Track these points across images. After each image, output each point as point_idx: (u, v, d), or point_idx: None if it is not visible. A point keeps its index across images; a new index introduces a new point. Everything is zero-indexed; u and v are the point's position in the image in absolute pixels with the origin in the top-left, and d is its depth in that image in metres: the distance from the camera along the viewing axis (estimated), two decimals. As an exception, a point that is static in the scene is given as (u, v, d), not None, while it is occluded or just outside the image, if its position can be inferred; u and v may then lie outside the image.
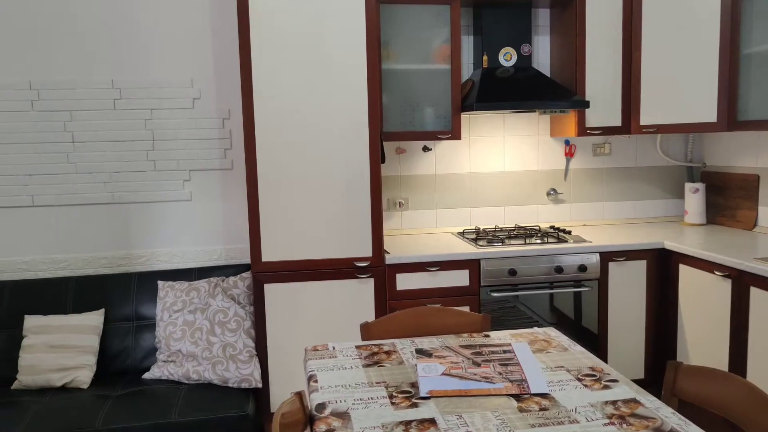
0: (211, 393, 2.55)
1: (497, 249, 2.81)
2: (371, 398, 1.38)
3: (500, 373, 1.47)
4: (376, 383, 1.47)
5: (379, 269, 2.72)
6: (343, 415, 1.29)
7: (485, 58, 3.08)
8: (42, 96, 2.91)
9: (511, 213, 3.40)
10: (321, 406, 1.34)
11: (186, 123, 3.03)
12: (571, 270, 2.85)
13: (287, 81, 2.58)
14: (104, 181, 3.01)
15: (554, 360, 1.60)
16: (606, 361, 2.94)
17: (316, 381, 1.49)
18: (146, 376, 2.70)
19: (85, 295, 2.86)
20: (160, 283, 2.86)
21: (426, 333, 1.91)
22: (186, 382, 2.64)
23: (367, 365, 1.59)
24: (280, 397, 2.77)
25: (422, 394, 1.38)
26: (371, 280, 2.72)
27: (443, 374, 1.46)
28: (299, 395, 1.29)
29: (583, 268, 2.85)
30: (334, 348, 1.74)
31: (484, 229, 3.27)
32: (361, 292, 2.72)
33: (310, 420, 1.31)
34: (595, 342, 2.91)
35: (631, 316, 2.94)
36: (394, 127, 2.98)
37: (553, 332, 1.83)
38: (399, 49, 2.95)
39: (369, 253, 2.70)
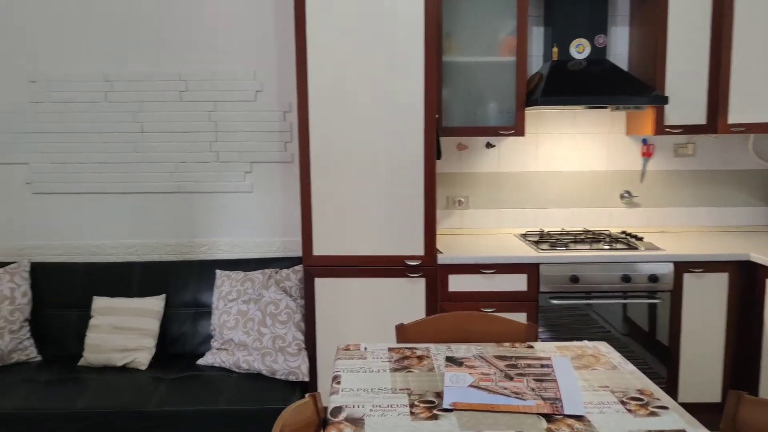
0: (259, 383, 2.57)
1: (558, 254, 2.64)
2: (391, 405, 1.31)
3: (533, 389, 1.35)
4: (400, 390, 1.40)
5: (430, 269, 2.63)
6: (357, 422, 1.23)
7: (555, 50, 2.91)
8: (115, 88, 3.05)
9: (581, 216, 3.21)
10: (337, 410, 1.29)
11: (248, 115, 3.07)
12: (640, 280, 2.63)
13: (342, 75, 2.55)
14: (170, 171, 3.11)
15: (599, 379, 1.46)
16: (677, 382, 2.70)
17: (338, 382, 1.44)
18: (200, 362, 2.77)
19: (149, 280, 2.97)
20: (217, 272, 2.92)
21: (465, 339, 1.81)
22: (236, 370, 2.68)
23: (395, 369, 1.52)
24: (326, 392, 2.75)
25: (445, 406, 1.29)
26: (422, 280, 2.64)
27: (471, 386, 1.36)
28: (313, 397, 1.25)
29: (654, 279, 2.63)
30: (365, 348, 1.68)
31: (548, 232, 3.10)
32: (412, 292, 2.65)
33: (324, 424, 1.26)
34: (667, 358, 2.68)
35: (708, 334, 2.68)
36: (455, 122, 2.87)
37: (603, 347, 1.69)
38: (462, 40, 2.84)
39: (421, 252, 2.63)
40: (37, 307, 2.91)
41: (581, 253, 2.65)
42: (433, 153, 2.58)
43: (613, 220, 3.20)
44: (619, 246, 2.74)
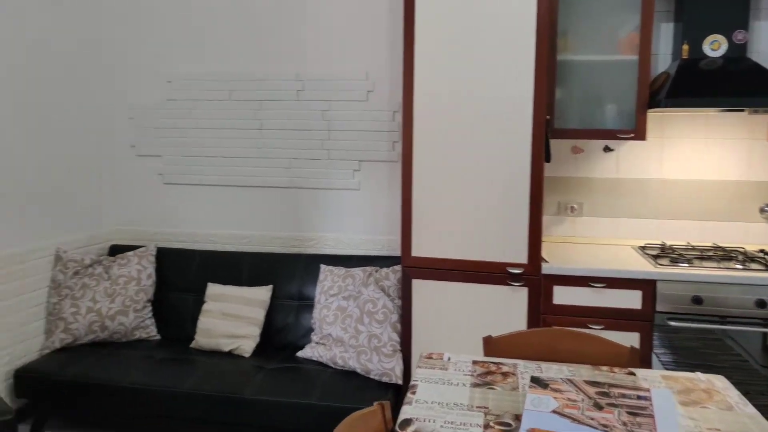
0: (353, 381, 2.59)
1: (679, 270, 2.39)
2: (463, 423, 1.24)
3: (624, 424, 1.22)
4: (477, 407, 1.32)
5: (534, 279, 2.50)
6: (425, 437, 1.18)
7: (685, 47, 2.63)
8: (238, 87, 3.22)
9: (711, 230, 2.88)
10: (406, 423, 1.25)
11: (359, 114, 3.11)
12: (778, 306, 2.31)
13: (448, 74, 2.49)
14: (284, 166, 3.23)
15: (708, 419, 1.28)
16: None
17: (414, 392, 1.40)
18: (300, 354, 2.85)
19: (259, 270, 3.11)
20: (321, 266, 2.99)
21: (558, 358, 1.68)
22: (332, 366, 2.73)
23: (476, 385, 1.45)
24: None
25: (521, 431, 1.20)
26: (524, 290, 2.51)
27: (554, 411, 1.26)
28: (381, 406, 1.21)
29: (797, 306, 2.29)
30: (449, 359, 1.62)
31: (671, 246, 2.81)
32: (513, 301, 2.53)
33: (391, 435, 1.23)
34: (809, 400, 2.33)
35: None
36: (570, 124, 2.70)
37: (720, 382, 1.48)
38: (579, 38, 2.66)
39: (524, 260, 2.50)
40: (159, 289, 3.17)
41: (707, 271, 2.37)
42: (541, 156, 2.44)
43: (750, 236, 2.84)
44: (754, 266, 2.42)
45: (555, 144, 2.96)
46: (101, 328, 2.92)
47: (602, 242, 2.98)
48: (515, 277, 2.51)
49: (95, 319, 2.91)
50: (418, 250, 2.61)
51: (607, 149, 2.93)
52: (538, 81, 2.40)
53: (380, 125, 3.10)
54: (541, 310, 2.51)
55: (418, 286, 2.62)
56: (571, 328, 1.77)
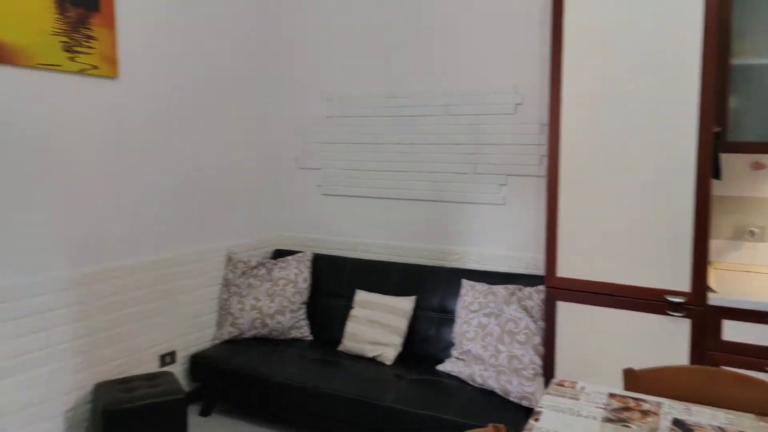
0: (490, 401, 2.53)
1: None
2: (586, 461, 1.16)
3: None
4: (605, 445, 1.22)
5: (698, 309, 2.23)
6: (542, 470, 1.12)
7: None
8: (393, 103, 3.34)
9: None
10: (523, 451, 1.19)
11: (507, 128, 3.05)
12: None
13: (598, 85, 2.34)
14: (432, 180, 3.28)
15: None
16: None
17: (537, 419, 1.33)
18: (440, 367, 2.85)
19: (404, 280, 3.19)
20: (464, 281, 2.98)
21: (716, 403, 1.49)
22: (471, 383, 2.69)
23: (609, 420, 1.34)
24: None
25: (653, 478, 1.09)
26: (687, 321, 2.26)
27: (695, 462, 1.12)
28: (496, 429, 1.18)
29: None
30: (582, 388, 1.52)
31: None
32: (672, 334, 2.28)
33: (507, 462, 1.18)
34: None
35: None
36: (747, 137, 2.39)
37: None
38: (759, 40, 2.34)
39: (686, 288, 2.25)
40: (313, 293, 3.39)
41: None
42: (707, 172, 2.18)
43: None
44: None
45: (729, 159, 2.64)
46: (262, 324, 3.20)
47: (789, 272, 2.58)
48: (675, 307, 2.27)
49: (257, 316, 3.19)
50: (564, 270, 2.47)
51: (798, 165, 2.54)
52: (704, 87, 2.16)
53: (528, 138, 3.01)
54: (707, 346, 2.24)
55: (563, 308, 2.49)
56: (736, 370, 1.56)
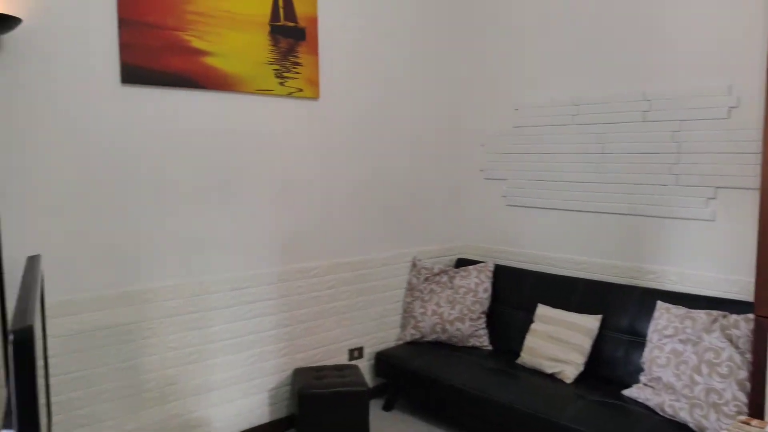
0: (682, 436, 2.30)
1: None
2: None
3: None
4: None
5: None
6: None
7: None
8: (582, 110, 3.21)
9: None
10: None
11: (718, 135, 2.74)
12: None
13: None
14: (626, 192, 3.07)
15: None
16: None
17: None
18: (626, 392, 2.66)
19: (589, 297, 3.03)
20: (658, 303, 2.74)
21: None
22: (659, 413, 2.47)
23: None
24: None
25: None
26: None
27: None
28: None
29: None
30: (779, 437, 1.32)
31: None
32: None
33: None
34: None
35: None
36: None
37: None
38: None
39: None
40: (494, 303, 3.39)
41: None
42: None
43: None
44: None
45: None
46: (442, 330, 3.30)
47: None
48: None
49: (438, 321, 3.30)
50: (780, 298, 2.14)
51: None
52: None
53: (745, 146, 2.65)
54: None
55: (778, 341, 2.15)
56: None
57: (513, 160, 3.57)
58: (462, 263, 3.70)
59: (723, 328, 2.43)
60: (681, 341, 2.51)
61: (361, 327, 3.33)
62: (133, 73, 2.45)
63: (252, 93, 2.84)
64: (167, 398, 2.61)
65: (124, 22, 2.41)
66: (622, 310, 2.90)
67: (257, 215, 2.86)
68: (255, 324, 2.87)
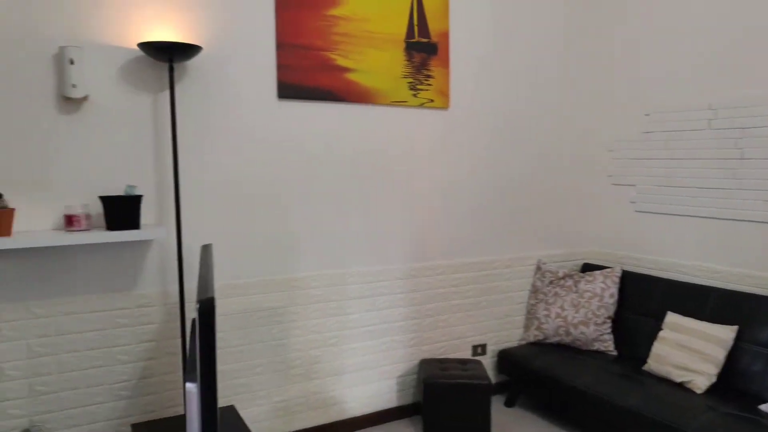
0: (824, 453, 2.20)
1: None
2: None
3: None
4: None
5: None
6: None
7: None
8: (719, 114, 3.12)
9: None
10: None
11: None
12: None
13: None
14: (766, 199, 2.94)
15: None
16: None
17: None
18: (762, 407, 2.57)
19: (724, 307, 2.94)
20: (801, 315, 2.61)
21: None
22: (799, 429, 2.36)
23: None
24: None
25: None
26: None
27: None
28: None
29: None
30: None
31: None
32: None
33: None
34: None
35: None
36: None
37: None
38: None
39: None
40: (620, 309, 3.37)
41: None
42: None
43: None
44: None
45: None
46: (566, 333, 3.35)
47: None
48: None
49: (561, 324, 3.36)
50: None
51: None
52: None
53: None
54: None
55: None
56: None
57: (642, 165, 3.53)
58: (588, 268, 3.71)
59: None
60: (826, 356, 2.38)
61: (484, 325, 3.48)
62: (287, 89, 2.82)
63: (388, 104, 3.11)
64: (310, 376, 2.94)
65: (281, 46, 2.79)
66: (761, 322, 2.79)
67: (390, 216, 3.12)
68: (386, 314, 3.13)
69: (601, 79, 3.77)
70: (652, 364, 2.98)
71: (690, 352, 2.86)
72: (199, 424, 1.63)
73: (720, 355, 2.79)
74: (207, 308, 1.59)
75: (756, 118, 2.96)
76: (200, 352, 1.60)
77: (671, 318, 3.04)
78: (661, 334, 3.02)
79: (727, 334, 2.81)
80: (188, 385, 1.80)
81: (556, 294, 3.47)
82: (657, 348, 2.99)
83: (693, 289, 3.11)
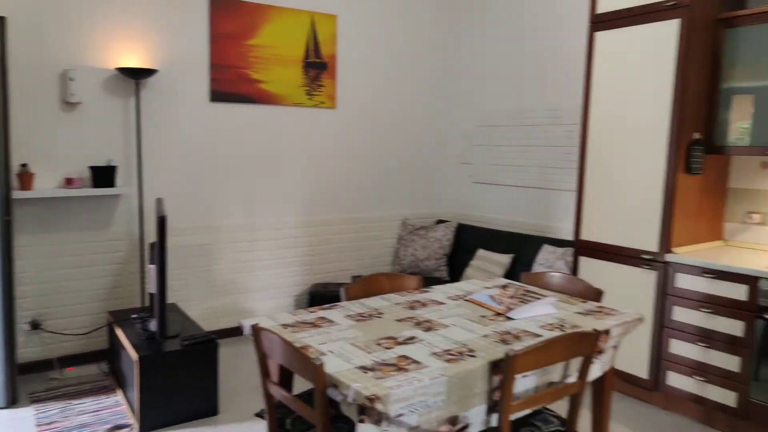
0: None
1: (784, 272, 2.67)
2: (450, 292, 2.55)
3: (510, 306, 2.30)
4: (469, 291, 2.58)
5: (660, 264, 3.14)
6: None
7: None
8: (519, 114, 4.64)
9: None
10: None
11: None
12: None
13: (615, 98, 3.35)
14: (538, 173, 4.48)
15: (570, 317, 2.21)
16: None
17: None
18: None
19: (510, 244, 4.47)
20: (544, 245, 4.15)
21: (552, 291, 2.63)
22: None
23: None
24: None
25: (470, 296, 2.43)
26: (653, 273, 3.17)
27: (490, 296, 2.42)
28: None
29: None
30: (498, 279, 2.81)
31: None
32: (644, 281, 3.22)
33: None
34: None
35: None
36: (739, 143, 3.13)
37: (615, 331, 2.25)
38: (749, 68, 3.05)
39: (655, 249, 3.17)
40: (453, 249, 4.89)
41: (814, 276, 2.59)
42: (676, 166, 3.07)
43: None
44: None
45: (743, 159, 3.32)
46: (416, 266, 4.84)
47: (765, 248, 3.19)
48: (647, 262, 3.20)
49: (413, 259, 4.85)
50: (587, 234, 3.54)
51: (794, 164, 3.13)
52: (675, 108, 3.05)
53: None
54: (665, 291, 3.13)
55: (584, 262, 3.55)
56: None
57: (477, 150, 5.04)
58: (439, 222, 5.22)
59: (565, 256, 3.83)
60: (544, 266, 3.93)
61: (361, 262, 4.94)
62: (217, 95, 4.17)
63: (290, 105, 4.49)
64: (228, 292, 4.34)
65: (213, 66, 4.14)
66: (526, 251, 4.33)
67: (291, 183, 4.52)
68: (287, 253, 4.54)
69: (454, 85, 5.25)
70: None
71: (483, 272, 4.39)
72: (156, 287, 3.02)
73: (500, 272, 4.32)
74: (163, 219, 2.97)
75: (535, 118, 4.49)
76: (158, 247, 3.00)
77: (479, 252, 4.57)
78: (471, 262, 4.55)
79: (506, 259, 4.35)
80: (149, 266, 3.19)
81: (412, 240, 4.96)
82: (467, 272, 4.52)
83: (496, 233, 4.64)
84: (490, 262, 4.42)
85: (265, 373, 1.92)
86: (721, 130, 3.18)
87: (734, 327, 2.87)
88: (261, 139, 4.38)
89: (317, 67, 4.59)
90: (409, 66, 5.05)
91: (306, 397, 2.07)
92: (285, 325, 2.05)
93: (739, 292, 2.84)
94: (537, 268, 4.01)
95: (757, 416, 2.81)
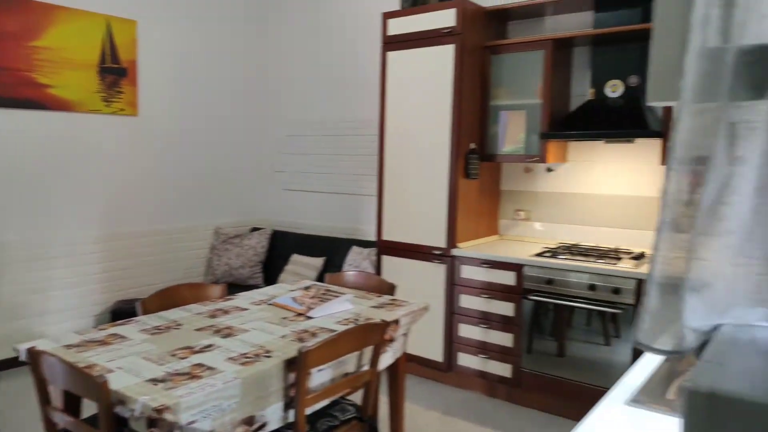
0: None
1: (540, 260, 3.20)
2: (254, 298, 2.64)
3: (311, 306, 2.46)
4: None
5: (447, 258, 3.55)
6: (231, 299, 2.62)
7: (591, 90, 3.37)
8: (325, 126, 4.85)
9: (622, 235, 3.48)
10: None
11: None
12: (604, 290, 2.98)
13: (405, 114, 3.70)
14: (347, 179, 4.74)
15: (364, 312, 2.43)
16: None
17: (258, 289, 2.82)
18: (330, 302, 4.32)
19: (321, 247, 4.66)
20: (353, 247, 4.41)
21: (352, 289, 2.88)
22: (339, 310, 4.14)
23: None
24: None
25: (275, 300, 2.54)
26: (443, 266, 3.58)
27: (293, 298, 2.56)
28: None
29: (617, 291, 2.93)
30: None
31: (563, 244, 3.53)
32: (436, 274, 3.61)
33: None
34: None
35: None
36: (502, 151, 3.65)
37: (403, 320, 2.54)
38: (509, 88, 3.59)
39: (443, 245, 3.57)
40: (268, 256, 4.97)
41: (561, 261, 3.14)
42: (458, 173, 3.49)
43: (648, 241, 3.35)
44: (601, 261, 3.09)
45: (511, 166, 3.89)
46: (230, 274, 4.83)
47: (534, 241, 3.79)
48: (437, 257, 3.60)
49: (227, 269, 4.83)
50: (389, 235, 3.85)
51: (548, 170, 3.75)
52: (454, 121, 3.47)
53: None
54: (452, 281, 3.55)
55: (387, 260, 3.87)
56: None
57: (288, 158, 5.17)
58: (254, 230, 5.25)
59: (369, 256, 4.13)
60: (353, 266, 4.19)
61: (172, 274, 4.79)
62: (-6, 101, 3.77)
63: (85, 112, 4.21)
64: (15, 317, 3.95)
65: (-13, 68, 3.73)
66: (336, 254, 4.56)
67: (88, 193, 4.24)
68: (85, 270, 4.25)
69: (263, 95, 5.32)
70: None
71: (297, 276, 4.53)
72: None
73: (313, 276, 4.50)
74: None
75: (342, 128, 4.74)
76: None
77: (294, 258, 4.70)
78: (285, 267, 4.66)
79: (319, 262, 4.54)
80: None
81: (226, 249, 4.93)
82: (281, 277, 4.62)
83: (309, 238, 4.81)
84: (304, 266, 4.57)
85: (44, 401, 1.83)
86: (492, 141, 3.69)
87: (507, 308, 3.36)
88: (53, 148, 4.04)
89: (115, 72, 4.37)
90: (217, 74, 5.01)
91: (93, 420, 2.02)
92: (69, 346, 1.97)
93: (509, 278, 3.34)
94: (346, 268, 4.26)
95: (528, 383, 3.32)
